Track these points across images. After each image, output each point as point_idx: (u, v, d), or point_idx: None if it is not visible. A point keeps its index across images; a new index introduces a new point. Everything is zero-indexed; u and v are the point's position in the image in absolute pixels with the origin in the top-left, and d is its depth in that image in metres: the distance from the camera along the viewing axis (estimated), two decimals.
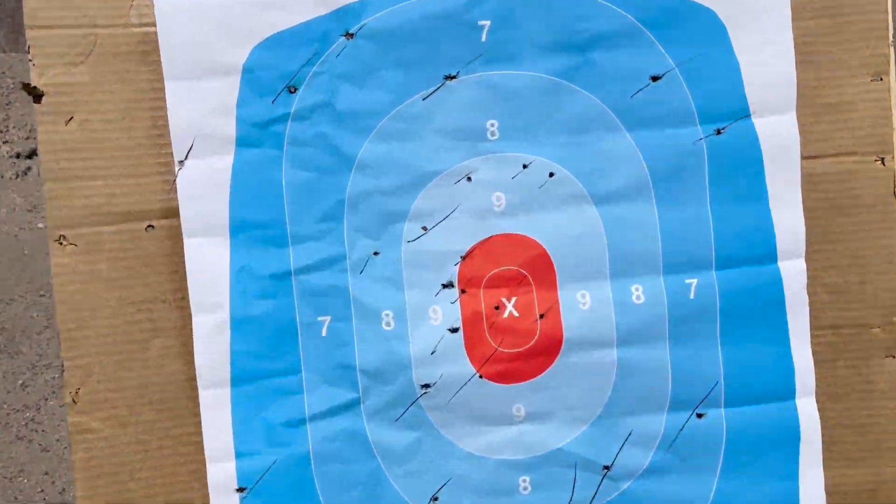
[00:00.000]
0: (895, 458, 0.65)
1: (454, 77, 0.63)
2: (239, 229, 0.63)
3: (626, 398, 0.65)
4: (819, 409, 0.65)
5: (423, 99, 0.63)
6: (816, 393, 0.65)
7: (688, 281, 0.65)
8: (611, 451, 0.65)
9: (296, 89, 0.62)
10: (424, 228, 0.64)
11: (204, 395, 0.63)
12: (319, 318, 0.64)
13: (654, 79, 0.64)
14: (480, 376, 0.65)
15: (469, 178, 0.64)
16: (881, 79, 0.63)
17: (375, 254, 0.64)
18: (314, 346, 0.64)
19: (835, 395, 0.65)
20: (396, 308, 0.64)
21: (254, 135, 0.62)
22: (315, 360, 0.64)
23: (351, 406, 0.64)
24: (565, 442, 0.65)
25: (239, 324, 0.62)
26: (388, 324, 0.64)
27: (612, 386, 0.65)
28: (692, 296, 0.64)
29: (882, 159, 0.64)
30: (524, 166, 0.64)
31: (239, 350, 0.62)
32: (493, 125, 0.64)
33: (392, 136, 0.63)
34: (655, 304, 0.64)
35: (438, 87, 0.63)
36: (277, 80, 0.62)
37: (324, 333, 0.64)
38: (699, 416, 0.65)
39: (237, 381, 0.63)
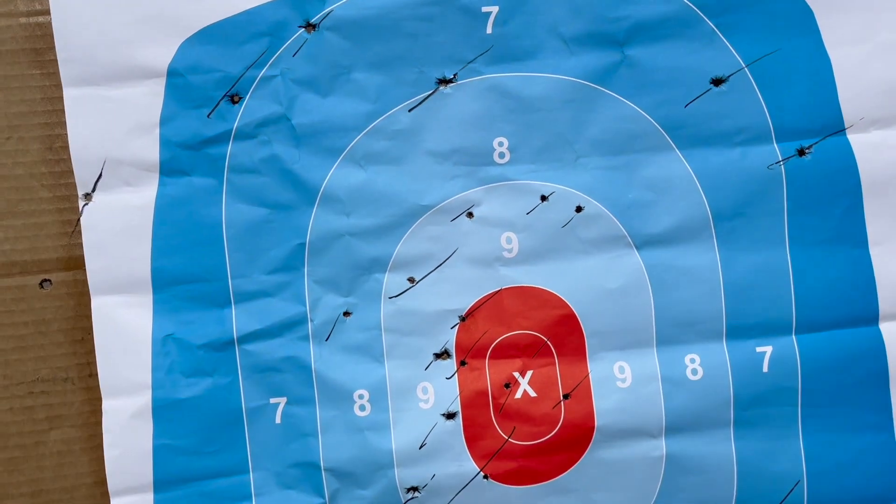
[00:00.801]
0: None
1: (450, 81, 0.48)
2: (164, 285, 0.47)
3: (677, 502, 0.49)
4: None
5: (410, 110, 0.48)
6: None
7: (760, 349, 0.49)
8: None
9: (239, 98, 0.47)
10: (411, 280, 0.48)
11: None
12: (272, 401, 0.48)
13: (717, 82, 0.48)
14: (486, 476, 0.49)
15: (470, 214, 0.48)
16: None
17: (346, 314, 0.48)
18: (265, 438, 0.48)
19: None
20: (373, 387, 0.48)
21: (183, 160, 0.47)
22: (267, 456, 0.48)
23: None
24: None
25: (164, 410, 0.47)
26: (362, 408, 0.48)
27: (658, 488, 0.49)
28: (766, 368, 0.48)
29: None
30: (543, 198, 0.48)
31: (164, 444, 0.47)
32: (502, 144, 0.48)
33: (368, 160, 0.48)
34: (717, 380, 0.49)
35: (430, 95, 0.48)
36: (214, 86, 0.47)
37: (277, 420, 0.48)
38: None
39: (162, 485, 0.47)
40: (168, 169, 0.47)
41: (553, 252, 0.49)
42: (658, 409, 0.49)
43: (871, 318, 0.49)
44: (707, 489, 0.49)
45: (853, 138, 0.48)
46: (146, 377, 0.47)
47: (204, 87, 0.47)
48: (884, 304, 0.48)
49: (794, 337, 0.49)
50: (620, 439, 0.49)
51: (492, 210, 0.49)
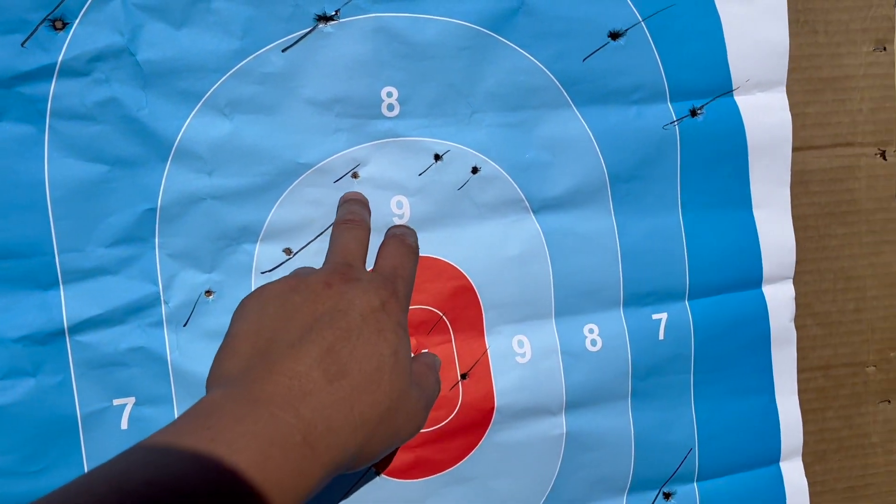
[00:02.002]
0: None
1: (331, 18, 0.41)
2: None
3: (576, 481, 0.46)
4: (805, 473, 0.50)
5: (284, 50, 0.40)
6: (802, 452, 0.50)
7: (656, 317, 0.47)
8: None
9: (65, 24, 0.37)
10: (288, 252, 0.41)
11: None
12: (116, 403, 0.39)
13: (614, 36, 0.45)
14: (377, 472, 0.43)
15: (355, 175, 0.42)
16: (884, 48, 0.49)
17: (209, 294, 0.40)
18: (108, 449, 0.39)
19: (822, 454, 0.51)
20: None
21: None
22: None
23: None
24: None
25: None
26: None
27: (558, 468, 0.46)
28: (661, 336, 0.47)
29: (883, 153, 0.50)
30: (436, 157, 0.43)
31: None
32: (391, 95, 0.42)
33: (234, 108, 0.40)
34: (616, 350, 0.46)
35: (308, 33, 0.41)
36: (30, 5, 0.36)
37: (124, 426, 0.39)
38: (667, 496, 0.48)
39: None
40: None
41: (448, 217, 0.44)
42: (558, 385, 0.46)
43: (756, 281, 0.49)
44: (605, 465, 0.47)
45: (740, 100, 0.48)
46: None
47: (15, 7, 0.36)
48: (767, 267, 0.49)
49: (686, 303, 0.48)
50: (520, 419, 0.45)
51: (380, 170, 0.43)
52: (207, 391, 0.33)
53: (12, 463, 0.37)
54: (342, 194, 0.42)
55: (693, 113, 0.47)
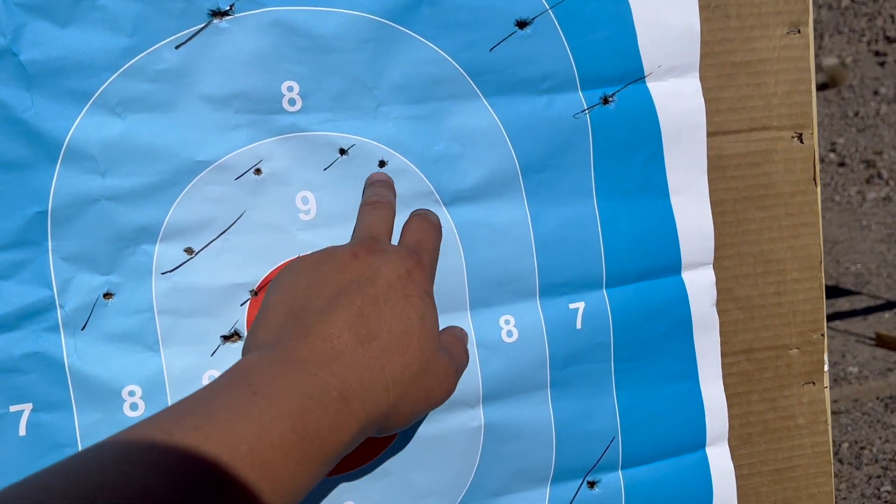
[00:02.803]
0: None
1: (226, 13, 0.40)
2: None
3: (497, 473, 0.46)
4: (731, 457, 0.50)
5: (177, 47, 0.40)
6: (728, 436, 0.50)
7: (573, 306, 0.47)
8: None
9: None
10: (189, 251, 0.41)
11: None
12: (13, 409, 0.39)
13: (521, 24, 0.45)
14: None
15: (258, 171, 0.42)
16: (798, 31, 0.49)
17: (107, 296, 0.40)
18: (6, 455, 0.39)
19: (747, 437, 0.51)
20: (147, 381, 0.40)
21: None
22: (9, 477, 0.38)
23: None
24: None
25: None
26: (133, 406, 0.40)
27: (477, 460, 0.46)
28: (579, 325, 0.47)
29: (800, 135, 0.50)
30: (342, 151, 0.43)
31: None
32: (291, 89, 0.42)
33: (127, 107, 0.39)
34: (532, 341, 0.46)
35: (202, 29, 0.40)
36: None
37: (22, 433, 0.39)
38: (591, 484, 0.48)
39: None
40: None
41: (355, 212, 0.43)
42: (475, 377, 0.45)
43: (675, 267, 0.49)
44: (527, 456, 0.47)
45: (652, 86, 0.47)
46: None
47: None
48: (685, 253, 0.49)
49: (604, 291, 0.48)
50: (437, 412, 0.45)
51: (284, 166, 0.42)
52: (244, 356, 0.35)
53: None
54: (368, 176, 0.43)
55: (605, 101, 0.47)
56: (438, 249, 0.42)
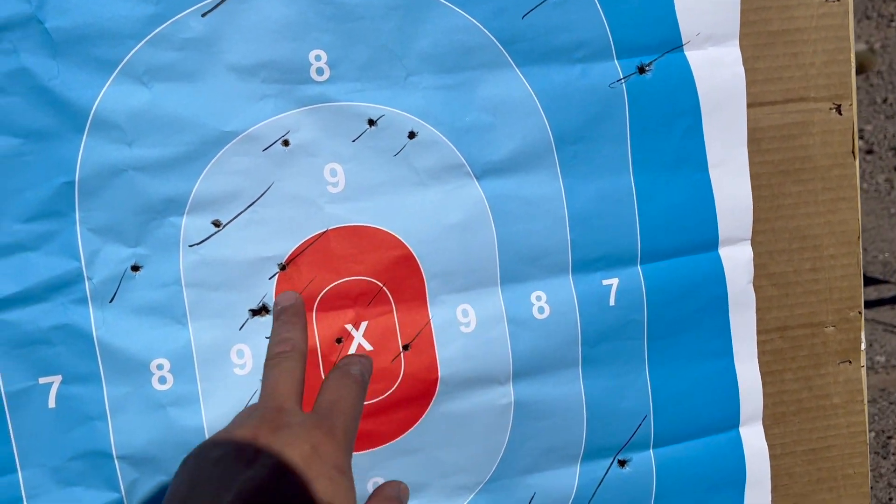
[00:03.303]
0: (854, 486, 0.51)
1: None
2: None
3: (526, 451, 0.46)
4: (764, 436, 0.49)
5: (203, 15, 0.39)
6: (762, 416, 0.49)
7: (606, 282, 0.46)
8: None
9: None
10: (217, 224, 0.40)
11: None
12: (42, 381, 0.38)
13: None
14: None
15: (286, 142, 0.41)
16: None
17: (135, 269, 0.39)
18: (35, 428, 0.38)
19: (781, 417, 0.50)
20: (175, 354, 0.40)
21: None
22: (39, 449, 0.38)
23: None
24: None
25: None
26: (162, 380, 0.40)
27: (507, 437, 0.45)
28: (612, 302, 0.46)
29: (838, 107, 0.48)
30: (371, 122, 0.42)
31: None
32: (319, 58, 0.41)
33: (153, 76, 0.38)
34: (564, 317, 0.45)
35: None
36: None
37: (51, 405, 0.38)
38: (622, 463, 0.47)
39: None
40: None
41: (385, 185, 0.43)
42: (505, 353, 0.45)
43: (712, 243, 0.47)
44: (557, 434, 0.46)
45: (690, 55, 0.46)
46: None
47: None
48: (723, 229, 0.47)
49: (639, 267, 0.46)
50: (466, 389, 0.44)
51: (312, 137, 0.41)
52: None
53: None
54: (277, 295, 0.40)
55: (641, 70, 0.45)
56: (360, 407, 0.36)
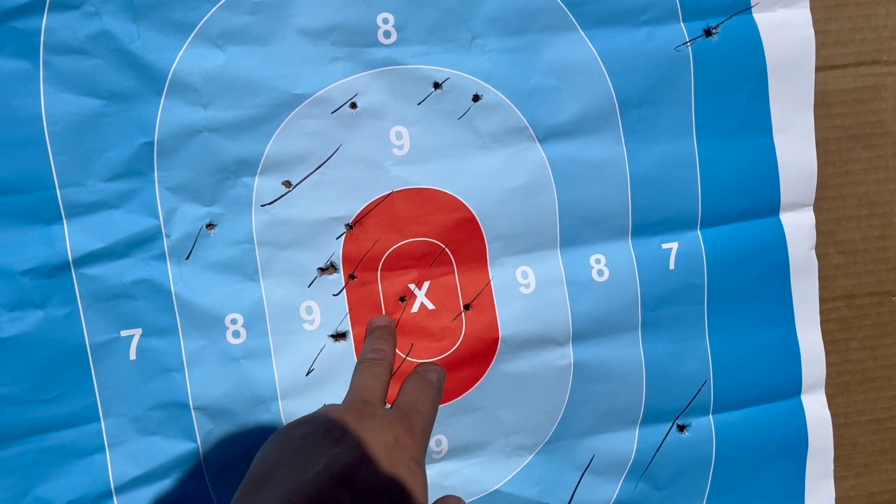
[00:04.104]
0: None
1: None
2: None
3: (585, 413, 0.46)
4: (827, 405, 0.49)
5: None
6: (825, 384, 0.49)
7: (666, 246, 0.46)
8: (566, 487, 0.46)
9: None
10: (287, 184, 0.41)
11: None
12: (123, 334, 0.40)
13: None
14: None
15: (354, 105, 0.42)
16: None
17: (210, 227, 0.41)
18: (117, 378, 0.40)
19: (845, 386, 0.49)
20: (248, 310, 0.41)
21: None
22: (120, 398, 0.40)
23: (185, 464, 0.41)
24: (504, 481, 0.46)
25: None
26: (236, 334, 0.41)
27: (566, 398, 0.46)
28: (672, 266, 0.46)
29: None
30: (436, 85, 0.42)
31: None
32: (387, 21, 0.41)
33: (227, 39, 0.39)
34: (623, 280, 0.45)
35: None
36: None
37: (132, 356, 0.40)
38: (681, 428, 0.47)
39: None
40: None
41: (449, 148, 0.43)
42: (564, 315, 0.45)
43: (773, 208, 0.47)
44: (616, 397, 0.47)
45: (759, 17, 0.45)
46: None
47: None
48: (785, 194, 0.47)
49: (699, 232, 0.46)
50: (526, 349, 0.45)
51: (379, 100, 0.42)
52: None
53: (24, 391, 0.39)
54: (371, 318, 0.43)
55: (707, 33, 0.45)
56: (435, 410, 0.40)
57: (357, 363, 0.41)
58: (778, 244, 0.47)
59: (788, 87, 0.46)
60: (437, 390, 0.41)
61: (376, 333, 0.42)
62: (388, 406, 0.40)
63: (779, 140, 0.46)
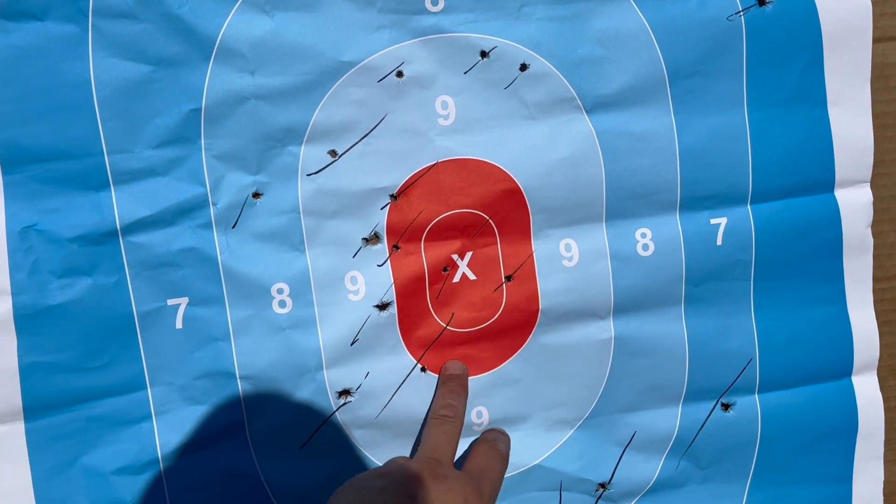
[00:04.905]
0: None
1: None
2: (16, 162, 0.37)
3: (626, 388, 0.46)
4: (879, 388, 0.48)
5: None
6: (877, 366, 0.48)
7: (714, 221, 0.45)
8: (607, 463, 0.46)
9: None
10: (333, 154, 0.41)
11: None
12: (170, 302, 0.40)
13: None
14: (423, 368, 0.43)
15: (400, 74, 0.41)
16: None
17: (256, 196, 0.40)
18: (164, 347, 0.40)
19: None
20: (294, 279, 0.41)
21: (33, 0, 0.37)
22: (167, 367, 0.40)
23: (230, 432, 0.41)
24: (545, 456, 0.45)
25: (30, 319, 0.38)
26: (282, 304, 0.41)
27: (607, 373, 0.45)
28: (719, 241, 0.45)
29: None
30: (483, 54, 0.42)
31: (34, 362, 0.39)
32: None
33: (275, 5, 0.39)
34: (669, 255, 0.45)
35: None
36: None
37: (178, 325, 0.40)
38: (725, 406, 0.47)
39: (35, 411, 0.39)
40: (11, 11, 0.36)
41: (495, 118, 0.43)
42: (606, 289, 0.44)
43: (828, 184, 0.46)
44: (658, 373, 0.46)
45: None
46: (2, 280, 0.38)
47: None
48: (840, 169, 0.46)
49: (749, 207, 0.45)
50: (566, 322, 0.44)
51: (425, 68, 0.41)
52: None
53: (73, 359, 0.39)
54: (445, 363, 0.43)
55: (761, 2, 0.44)
56: (502, 480, 0.41)
57: (430, 417, 0.42)
58: (832, 221, 0.46)
59: (844, 58, 0.45)
60: (506, 460, 0.43)
61: (449, 385, 0.43)
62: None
63: (834, 113, 0.45)
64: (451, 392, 0.42)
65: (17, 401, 0.38)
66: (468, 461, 0.41)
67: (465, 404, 0.43)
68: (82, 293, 0.39)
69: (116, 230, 0.39)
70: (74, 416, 0.39)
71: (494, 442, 0.43)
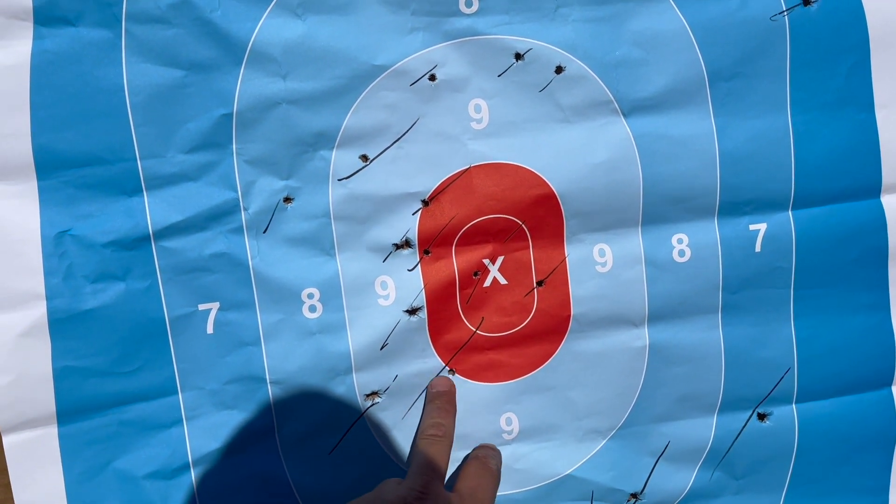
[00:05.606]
0: None
1: None
2: (51, 168, 0.38)
3: (661, 397, 0.45)
4: None
5: None
6: None
7: (754, 227, 0.44)
8: (640, 474, 0.45)
9: None
10: (364, 158, 0.40)
11: (11, 442, 0.39)
12: (201, 308, 0.40)
13: None
14: (452, 371, 0.43)
15: (433, 77, 0.40)
16: None
17: (287, 200, 0.40)
18: (195, 352, 0.40)
19: None
20: (324, 284, 0.41)
21: (65, 4, 0.37)
22: (198, 372, 0.40)
23: (260, 437, 0.41)
24: (576, 465, 0.45)
25: (64, 324, 0.38)
26: (312, 308, 0.41)
27: (641, 381, 0.44)
28: (758, 248, 0.44)
29: None
30: (517, 56, 0.41)
31: (67, 366, 0.39)
32: None
33: (307, 8, 0.39)
34: (705, 261, 0.44)
35: None
36: None
37: (209, 330, 0.40)
38: (762, 416, 0.46)
39: (68, 415, 0.39)
40: (45, 17, 0.36)
41: (529, 122, 0.42)
42: (640, 295, 0.44)
43: (873, 189, 0.44)
44: (693, 382, 0.45)
45: None
46: (37, 285, 0.38)
47: None
48: (887, 175, 0.44)
49: (790, 213, 0.44)
50: (599, 328, 0.44)
51: (458, 72, 0.41)
52: None
53: (105, 364, 0.39)
54: (432, 379, 0.43)
55: (806, 1, 0.42)
56: (494, 498, 0.41)
57: (419, 436, 0.41)
58: (877, 228, 0.45)
59: (893, 60, 0.43)
60: (497, 477, 0.42)
61: (437, 403, 0.42)
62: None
63: (881, 116, 0.44)
64: (439, 410, 0.42)
65: (50, 405, 0.39)
66: (459, 481, 0.40)
67: (454, 421, 0.42)
68: (115, 298, 0.39)
69: (149, 235, 0.39)
70: (107, 421, 0.40)
71: (486, 459, 0.42)
